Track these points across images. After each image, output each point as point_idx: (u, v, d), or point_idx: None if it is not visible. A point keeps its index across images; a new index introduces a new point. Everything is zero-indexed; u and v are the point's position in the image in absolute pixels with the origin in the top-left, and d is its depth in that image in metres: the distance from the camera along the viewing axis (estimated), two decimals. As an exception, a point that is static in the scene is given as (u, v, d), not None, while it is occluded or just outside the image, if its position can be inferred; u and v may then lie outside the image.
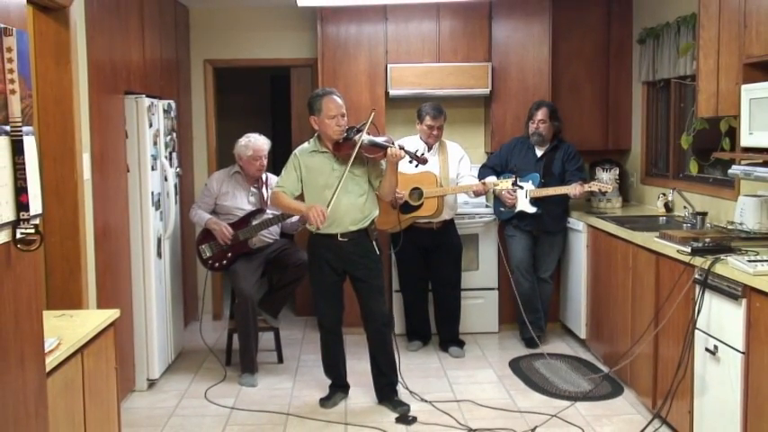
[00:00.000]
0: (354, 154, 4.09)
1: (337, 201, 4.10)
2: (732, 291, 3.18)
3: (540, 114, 5.27)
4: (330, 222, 4.16)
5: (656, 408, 3.93)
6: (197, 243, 5.01)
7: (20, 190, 2.04)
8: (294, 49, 6.28)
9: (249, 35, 6.27)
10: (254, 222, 4.90)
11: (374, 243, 4.28)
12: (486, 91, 5.76)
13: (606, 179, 5.68)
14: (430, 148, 5.15)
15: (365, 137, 4.11)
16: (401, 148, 4.12)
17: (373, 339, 4.35)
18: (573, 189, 5.02)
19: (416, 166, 4.42)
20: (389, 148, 4.08)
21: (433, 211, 5.07)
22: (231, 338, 5.11)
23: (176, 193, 5.05)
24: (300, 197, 4.30)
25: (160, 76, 5.23)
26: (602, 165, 5.92)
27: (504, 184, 5.03)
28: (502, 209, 5.38)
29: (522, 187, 5.13)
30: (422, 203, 5.06)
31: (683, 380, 3.61)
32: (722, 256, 3.34)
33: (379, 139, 4.17)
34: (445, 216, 5.21)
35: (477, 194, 5.11)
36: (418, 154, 4.30)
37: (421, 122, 5.13)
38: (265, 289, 5.17)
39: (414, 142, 5.03)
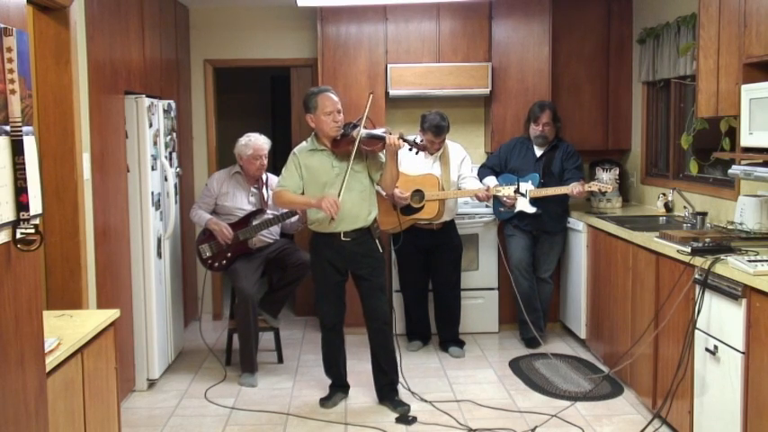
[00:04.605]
0: (355, 149, 4.08)
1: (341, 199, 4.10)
2: (732, 291, 3.18)
3: (545, 117, 5.27)
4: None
5: (656, 408, 3.93)
6: (197, 243, 5.01)
7: (20, 190, 2.04)
8: (294, 49, 6.28)
9: (249, 35, 6.28)
10: (255, 222, 4.90)
11: (377, 241, 4.28)
12: (486, 91, 5.76)
13: (606, 179, 5.68)
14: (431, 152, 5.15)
15: (362, 131, 4.10)
16: (400, 137, 4.10)
17: (375, 338, 4.35)
18: (572, 189, 5.02)
19: (416, 153, 4.37)
20: (388, 137, 4.07)
21: (434, 213, 5.07)
22: (231, 338, 5.12)
23: (176, 193, 5.05)
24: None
25: (160, 76, 5.23)
26: (602, 165, 5.91)
27: (506, 191, 5.03)
28: (501, 209, 5.38)
29: (524, 195, 5.13)
30: (423, 206, 5.06)
31: (683, 380, 3.61)
32: (722, 256, 3.34)
33: (377, 131, 4.16)
34: (446, 218, 5.21)
35: (480, 199, 5.11)
36: (417, 141, 4.27)
37: (423, 133, 5.10)
38: (265, 289, 5.17)
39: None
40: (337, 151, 4.16)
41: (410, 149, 4.27)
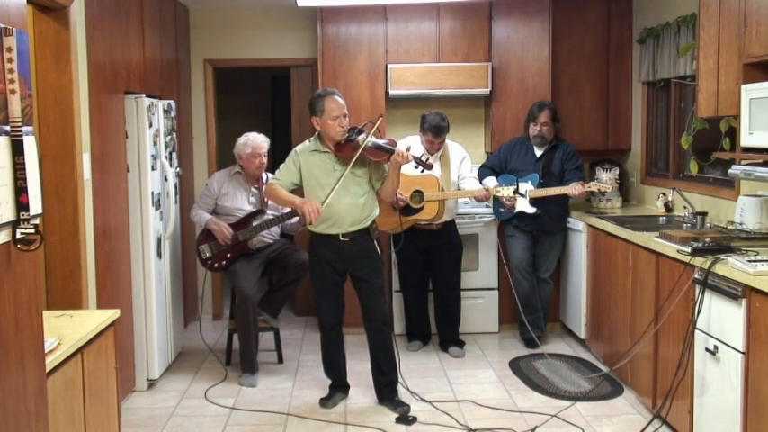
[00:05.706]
0: (357, 156, 4.08)
1: (338, 201, 4.10)
2: (732, 291, 3.18)
3: (544, 117, 5.27)
4: (332, 223, 4.16)
5: (656, 408, 3.93)
6: (197, 243, 5.01)
7: (20, 190, 2.04)
8: (294, 49, 6.28)
9: (249, 35, 6.27)
10: (255, 223, 4.90)
11: (375, 243, 4.28)
12: (486, 91, 5.76)
13: (606, 179, 5.68)
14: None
15: (369, 139, 4.10)
16: (408, 150, 4.11)
17: (374, 339, 4.35)
18: (572, 189, 5.02)
19: (422, 171, 4.42)
20: (397, 149, 4.08)
21: (434, 214, 5.07)
22: (231, 338, 5.12)
23: (176, 193, 5.05)
24: (298, 194, 4.29)
25: (160, 76, 5.23)
26: (602, 165, 5.91)
27: (506, 192, 5.03)
28: (501, 209, 5.38)
29: (524, 195, 5.13)
30: (423, 206, 5.06)
31: (683, 380, 3.61)
32: (722, 256, 3.34)
33: (383, 143, 4.16)
34: (446, 218, 5.21)
35: (478, 200, 5.12)
36: (423, 159, 4.30)
37: (423, 134, 5.10)
38: (265, 289, 5.17)
39: (416, 143, 5.03)
40: (340, 155, 4.16)
41: (416, 167, 4.29)
